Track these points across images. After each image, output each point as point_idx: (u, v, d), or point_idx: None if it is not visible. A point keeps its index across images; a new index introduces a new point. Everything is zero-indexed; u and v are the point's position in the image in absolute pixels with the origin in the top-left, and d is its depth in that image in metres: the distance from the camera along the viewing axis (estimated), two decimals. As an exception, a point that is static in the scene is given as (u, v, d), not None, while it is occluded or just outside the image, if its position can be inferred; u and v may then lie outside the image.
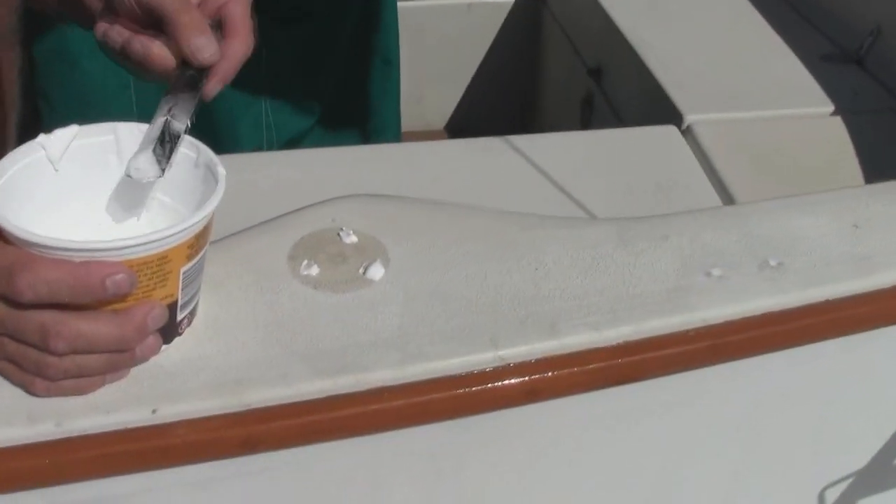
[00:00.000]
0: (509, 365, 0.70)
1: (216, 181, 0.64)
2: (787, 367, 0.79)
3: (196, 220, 0.60)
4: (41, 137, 0.65)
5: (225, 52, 0.72)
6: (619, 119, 1.74)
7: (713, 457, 0.84)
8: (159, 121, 0.68)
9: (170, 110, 0.69)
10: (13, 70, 0.82)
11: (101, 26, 0.73)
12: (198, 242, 0.62)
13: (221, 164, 0.65)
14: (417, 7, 2.02)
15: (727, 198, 1.34)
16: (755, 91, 1.55)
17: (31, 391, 0.62)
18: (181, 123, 0.68)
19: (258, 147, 1.52)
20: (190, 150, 0.67)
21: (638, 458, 0.82)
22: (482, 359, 0.70)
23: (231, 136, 1.44)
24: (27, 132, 0.82)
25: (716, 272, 0.77)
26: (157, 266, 0.60)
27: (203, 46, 0.70)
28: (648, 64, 1.61)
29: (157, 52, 0.71)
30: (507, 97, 2.16)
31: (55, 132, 0.66)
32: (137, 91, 1.31)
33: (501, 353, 0.70)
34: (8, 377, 0.63)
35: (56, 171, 0.66)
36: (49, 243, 0.57)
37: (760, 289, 0.77)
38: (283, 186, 1.18)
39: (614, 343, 0.72)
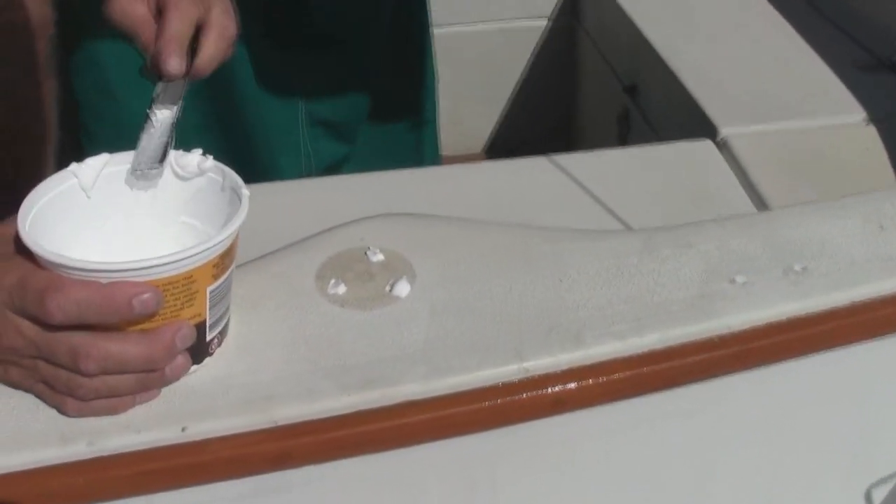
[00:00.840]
0: (535, 376, 0.71)
1: (240, 203, 0.66)
2: (815, 371, 0.79)
3: (220, 240, 0.62)
4: (73, 166, 0.68)
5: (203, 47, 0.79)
6: (655, 135, 1.74)
7: (744, 463, 0.84)
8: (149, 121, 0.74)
9: (158, 97, 0.75)
10: (52, 98, 0.85)
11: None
12: (223, 262, 0.64)
13: (245, 187, 0.67)
14: (453, 32, 2.04)
15: (764, 209, 1.33)
16: (789, 101, 1.55)
17: (63, 411, 0.64)
18: (168, 109, 0.75)
19: (298, 175, 1.54)
20: (216, 174, 0.69)
21: (667, 467, 0.82)
22: (507, 371, 0.70)
23: (271, 166, 1.47)
24: (67, 161, 0.85)
25: (740, 279, 0.77)
26: (184, 285, 0.62)
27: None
28: (682, 78, 1.62)
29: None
30: (546, 118, 2.17)
31: (87, 160, 0.68)
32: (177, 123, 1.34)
33: (526, 364, 0.71)
34: (42, 398, 0.65)
35: (88, 197, 0.68)
36: (76, 265, 0.59)
37: (785, 294, 0.77)
38: (321, 211, 1.19)
39: (639, 352, 0.72)
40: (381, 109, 1.64)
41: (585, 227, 1.32)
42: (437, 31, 1.82)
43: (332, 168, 1.60)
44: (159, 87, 0.76)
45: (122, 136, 1.48)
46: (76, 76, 1.32)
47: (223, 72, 1.29)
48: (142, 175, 0.70)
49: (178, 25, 0.76)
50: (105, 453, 0.64)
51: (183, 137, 1.44)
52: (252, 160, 1.45)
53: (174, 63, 0.75)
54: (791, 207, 0.85)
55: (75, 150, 1.46)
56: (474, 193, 1.37)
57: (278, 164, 1.50)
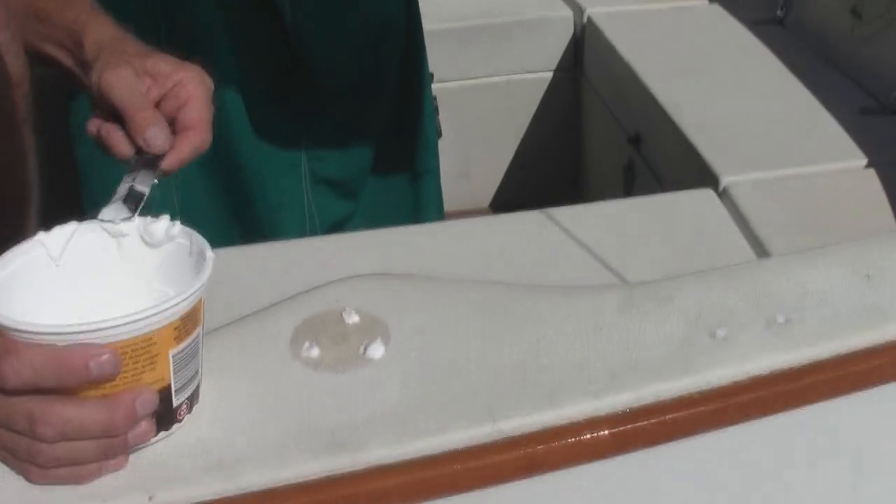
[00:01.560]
0: (508, 437, 0.69)
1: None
2: (799, 426, 0.77)
3: (178, 301, 0.62)
4: (40, 235, 0.68)
5: (180, 142, 0.82)
6: (659, 184, 1.74)
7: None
8: (124, 186, 0.76)
9: (133, 180, 0.77)
10: (30, 156, 0.86)
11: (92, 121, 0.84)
12: (185, 325, 0.63)
13: (210, 249, 0.67)
14: (458, 86, 2.05)
15: (765, 257, 1.32)
16: (790, 147, 1.54)
17: (27, 479, 0.63)
18: (146, 187, 0.77)
19: (302, 234, 1.54)
20: (184, 239, 0.69)
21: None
22: (480, 432, 0.69)
23: (274, 225, 1.47)
24: (63, 206, 0.86)
25: (721, 332, 0.76)
26: (143, 348, 0.61)
27: (155, 136, 0.79)
28: (684, 128, 1.62)
29: (117, 138, 0.81)
30: (552, 169, 2.18)
31: (54, 230, 0.68)
32: (178, 183, 1.35)
33: (500, 425, 0.69)
34: (6, 464, 0.64)
35: (57, 266, 0.68)
36: (30, 328, 0.59)
37: (767, 347, 0.75)
38: (317, 271, 1.19)
39: (615, 410, 0.71)
40: (383, 165, 1.64)
41: (584, 281, 1.32)
42: (442, 86, 1.84)
43: (336, 226, 1.60)
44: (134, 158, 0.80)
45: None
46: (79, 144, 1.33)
47: (224, 129, 1.30)
48: (110, 225, 0.72)
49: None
50: (69, 524, 0.63)
51: (185, 195, 1.45)
52: (255, 219, 1.45)
53: (161, 139, 0.80)
54: (774, 258, 0.84)
55: (71, 192, 1.46)
56: (473, 249, 1.37)
57: (282, 223, 1.50)
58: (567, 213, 1.43)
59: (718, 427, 0.74)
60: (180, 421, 0.68)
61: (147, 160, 0.80)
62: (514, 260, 1.37)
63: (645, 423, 0.72)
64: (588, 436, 0.70)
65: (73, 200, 1.42)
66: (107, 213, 0.72)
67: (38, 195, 0.87)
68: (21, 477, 0.64)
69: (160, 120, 0.80)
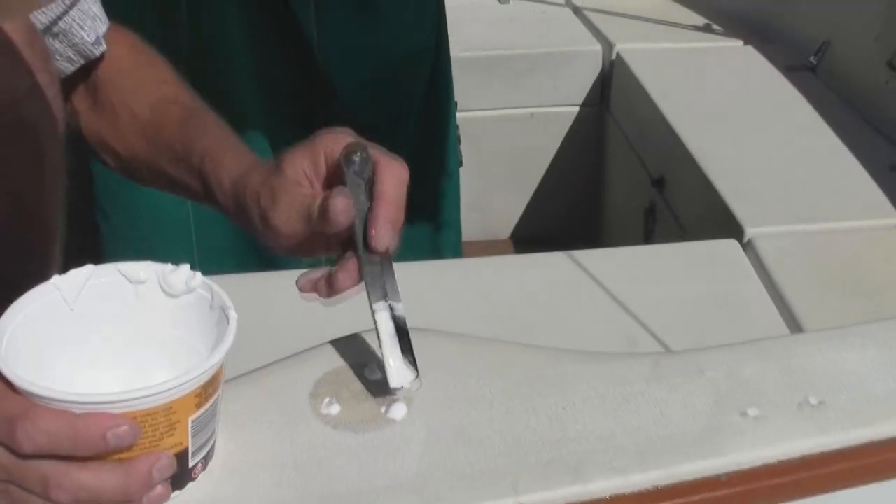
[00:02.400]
0: (530, 512, 0.67)
1: (228, 325, 0.64)
2: (829, 512, 0.75)
3: (202, 371, 0.60)
4: (55, 279, 0.66)
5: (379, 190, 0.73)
6: (681, 230, 1.72)
7: None
8: (383, 310, 0.72)
9: (385, 292, 0.73)
10: (60, 202, 0.84)
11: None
12: (206, 392, 0.62)
13: (233, 309, 0.65)
14: (481, 117, 2.04)
15: (789, 316, 1.30)
16: (820, 202, 1.53)
17: (40, 536, 0.62)
18: (400, 303, 0.72)
19: (317, 264, 1.52)
20: (205, 291, 0.67)
21: None
22: (502, 505, 0.67)
23: (292, 258, 1.45)
24: (84, 250, 0.84)
25: (752, 412, 0.74)
26: (164, 416, 0.60)
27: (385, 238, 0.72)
28: (710, 175, 1.60)
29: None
30: (572, 205, 2.16)
31: (69, 273, 0.67)
32: (194, 206, 1.33)
33: (522, 499, 0.67)
34: None
35: (72, 310, 0.67)
36: (47, 395, 0.57)
37: (799, 430, 0.73)
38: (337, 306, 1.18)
39: (642, 489, 0.69)
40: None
41: (603, 327, 1.30)
42: (465, 115, 1.82)
43: (352, 257, 1.58)
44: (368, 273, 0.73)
45: (139, 217, 1.47)
46: (93, 161, 1.32)
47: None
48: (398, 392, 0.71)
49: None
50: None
51: (202, 217, 1.44)
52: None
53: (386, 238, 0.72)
54: (807, 334, 0.82)
55: (93, 235, 1.46)
56: (493, 289, 1.35)
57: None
58: (590, 257, 1.42)
59: (745, 510, 0.72)
60: (194, 479, 0.66)
61: (376, 266, 0.73)
62: (533, 302, 1.35)
63: (670, 503, 0.70)
64: (612, 514, 0.68)
65: (94, 247, 1.41)
66: (395, 378, 0.71)
67: (63, 242, 0.85)
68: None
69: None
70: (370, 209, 0.72)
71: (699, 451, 0.71)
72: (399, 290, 0.73)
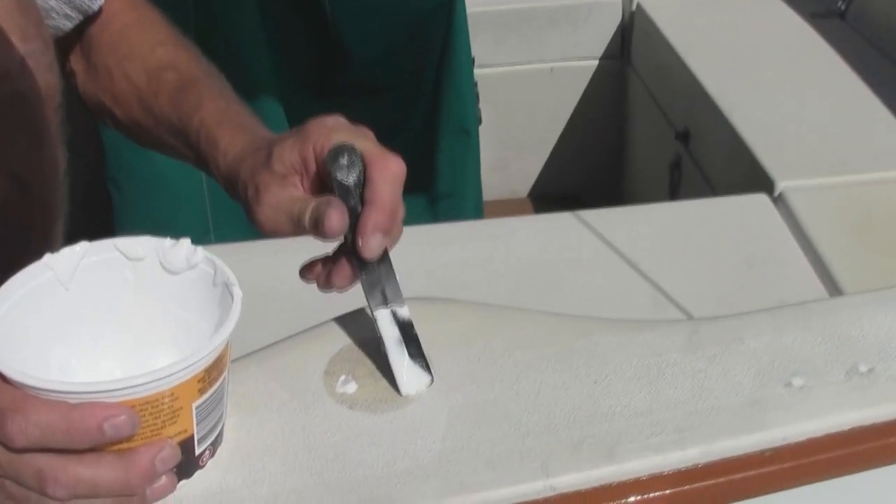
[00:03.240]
0: (562, 495, 0.63)
1: (232, 302, 0.59)
2: (880, 487, 0.70)
3: (203, 355, 0.55)
4: (47, 257, 0.61)
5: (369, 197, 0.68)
6: (708, 184, 1.66)
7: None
8: (384, 315, 0.69)
9: (384, 297, 0.69)
10: (60, 172, 0.79)
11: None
12: (209, 375, 0.57)
13: (238, 286, 0.60)
14: (499, 73, 1.98)
15: (825, 275, 1.25)
16: (853, 152, 1.47)
17: (38, 531, 0.58)
18: (403, 306, 0.69)
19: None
20: (207, 266, 0.63)
21: None
22: (531, 488, 0.63)
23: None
24: (95, 222, 0.79)
25: (797, 382, 0.69)
26: (165, 403, 0.55)
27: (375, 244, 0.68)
28: (738, 127, 1.54)
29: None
30: (594, 161, 2.10)
31: (62, 251, 0.62)
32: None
33: (553, 481, 0.63)
34: None
35: (67, 290, 0.62)
36: (39, 385, 0.53)
37: (848, 400, 0.68)
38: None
39: (680, 468, 0.65)
40: (420, 158, 1.59)
41: (631, 288, 1.25)
42: (482, 72, 1.77)
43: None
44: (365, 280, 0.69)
45: (151, 186, 1.43)
46: (103, 129, 1.28)
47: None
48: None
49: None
50: (77, 580, 0.57)
51: (215, 186, 1.39)
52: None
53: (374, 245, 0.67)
54: (854, 296, 0.77)
55: (103, 202, 1.41)
56: (514, 251, 1.30)
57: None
58: (611, 216, 1.37)
59: (792, 487, 0.67)
60: (202, 467, 0.61)
61: (377, 268, 0.69)
62: (555, 264, 1.31)
63: (712, 482, 0.65)
64: (650, 495, 0.64)
65: (106, 225, 1.37)
66: (407, 385, 0.68)
67: (66, 219, 0.80)
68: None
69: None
70: (360, 214, 0.67)
71: (741, 426, 0.67)
72: (401, 290, 0.69)
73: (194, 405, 0.57)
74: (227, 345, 0.59)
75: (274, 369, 0.70)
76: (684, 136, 1.74)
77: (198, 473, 0.61)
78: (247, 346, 0.71)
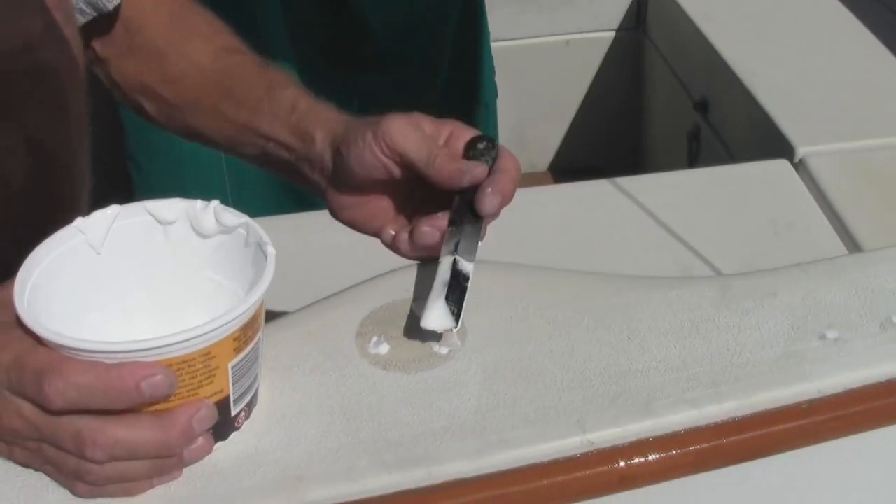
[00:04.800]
0: (599, 450, 0.63)
1: (266, 262, 0.59)
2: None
3: (239, 313, 0.55)
4: (78, 221, 0.61)
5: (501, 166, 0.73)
6: (728, 153, 1.65)
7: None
8: (447, 260, 0.69)
9: (456, 246, 0.70)
10: (85, 146, 0.78)
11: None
12: (245, 334, 0.57)
13: (271, 245, 0.60)
14: (516, 46, 1.97)
15: (848, 238, 1.24)
16: (874, 118, 1.46)
17: (74, 493, 0.58)
18: (469, 262, 0.69)
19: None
20: (241, 227, 0.62)
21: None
22: (569, 444, 0.63)
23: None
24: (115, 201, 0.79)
25: (831, 334, 0.69)
26: (201, 363, 0.55)
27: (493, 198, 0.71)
28: (756, 94, 1.53)
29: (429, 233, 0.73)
30: (612, 134, 2.09)
31: (93, 215, 0.62)
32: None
33: (590, 436, 0.63)
34: (52, 478, 0.58)
35: (98, 254, 0.62)
36: (76, 345, 0.52)
37: (883, 352, 0.68)
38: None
39: (717, 421, 0.64)
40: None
41: (654, 254, 1.25)
42: (499, 45, 1.76)
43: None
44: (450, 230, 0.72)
45: (170, 164, 1.43)
46: (122, 108, 1.27)
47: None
48: (433, 336, 0.68)
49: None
50: (117, 542, 0.57)
51: (239, 175, 1.39)
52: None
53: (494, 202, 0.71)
54: (886, 249, 0.76)
55: (123, 183, 1.41)
56: (537, 219, 1.30)
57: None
58: (635, 183, 1.36)
59: (829, 439, 0.67)
60: (238, 428, 0.61)
61: (469, 205, 0.72)
62: (579, 232, 1.30)
63: (749, 434, 0.65)
64: (689, 448, 0.63)
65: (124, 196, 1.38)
66: (429, 319, 0.67)
67: (90, 193, 0.79)
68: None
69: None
70: (489, 176, 0.72)
71: (777, 379, 0.66)
72: (476, 251, 0.71)
73: (230, 365, 0.57)
74: (261, 304, 0.58)
75: (306, 332, 0.70)
76: (703, 106, 1.73)
77: (234, 435, 0.61)
78: (276, 313, 0.70)
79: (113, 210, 0.62)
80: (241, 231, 0.62)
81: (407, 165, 0.72)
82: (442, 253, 0.70)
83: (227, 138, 0.84)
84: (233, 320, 0.55)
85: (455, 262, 0.69)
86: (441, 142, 0.74)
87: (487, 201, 0.70)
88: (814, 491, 0.71)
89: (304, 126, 0.78)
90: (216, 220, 0.63)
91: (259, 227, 0.62)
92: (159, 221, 0.64)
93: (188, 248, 0.64)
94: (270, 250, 0.60)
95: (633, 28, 2.01)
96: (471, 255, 0.70)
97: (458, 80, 1.59)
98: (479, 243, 0.71)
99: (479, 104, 1.60)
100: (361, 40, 1.44)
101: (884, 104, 1.46)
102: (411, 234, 0.74)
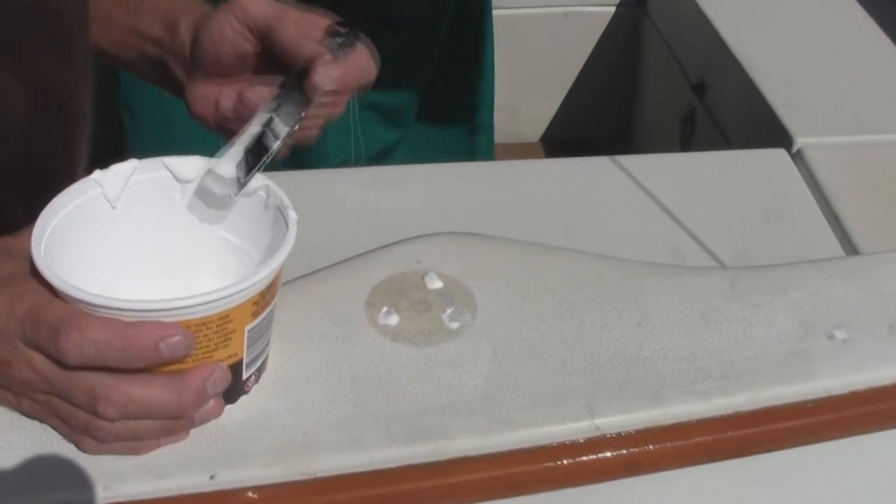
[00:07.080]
0: (606, 436, 0.63)
1: (286, 226, 0.58)
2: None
3: (260, 277, 0.54)
4: (96, 174, 0.60)
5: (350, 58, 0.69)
6: (723, 138, 1.65)
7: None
8: (254, 128, 0.63)
9: (271, 119, 0.64)
10: (88, 88, 0.77)
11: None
12: (263, 299, 0.56)
13: (293, 209, 0.59)
14: (513, 15, 1.95)
15: (842, 232, 1.25)
16: (874, 112, 1.45)
17: (80, 448, 0.57)
18: (284, 127, 0.64)
19: (346, 161, 1.47)
20: (261, 188, 0.61)
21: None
22: (576, 428, 0.62)
23: (318, 150, 1.40)
24: (107, 147, 0.77)
25: (840, 334, 0.69)
26: (219, 326, 0.54)
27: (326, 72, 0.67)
28: (756, 80, 1.52)
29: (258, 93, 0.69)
30: (605, 110, 2.08)
31: (111, 168, 0.60)
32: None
33: (598, 421, 0.63)
34: (58, 432, 0.58)
35: (114, 208, 0.61)
36: (95, 301, 0.52)
37: (891, 354, 0.68)
38: (371, 207, 1.12)
39: (725, 413, 0.64)
40: (435, 97, 1.57)
41: (648, 237, 1.25)
42: (496, 13, 1.74)
43: (381, 154, 1.53)
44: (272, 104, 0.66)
45: (165, 112, 1.41)
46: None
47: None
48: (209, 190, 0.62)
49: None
50: (121, 499, 0.56)
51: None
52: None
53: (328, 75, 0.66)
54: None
55: (116, 134, 1.39)
56: (532, 193, 1.29)
57: (325, 148, 1.43)
58: (630, 162, 1.35)
59: (834, 439, 0.67)
60: (247, 392, 0.61)
61: (298, 81, 0.66)
62: (571, 208, 1.30)
63: (755, 429, 0.65)
64: (696, 440, 0.64)
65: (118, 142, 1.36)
66: (222, 165, 0.61)
67: (90, 129, 0.78)
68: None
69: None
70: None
71: (785, 375, 0.66)
72: (296, 126, 0.65)
73: (247, 329, 0.56)
74: (281, 269, 0.58)
75: (316, 297, 0.69)
76: (700, 88, 1.72)
77: (242, 399, 0.61)
78: (284, 274, 0.70)
79: (131, 164, 0.61)
80: (261, 193, 0.61)
81: (259, 35, 0.69)
82: (261, 108, 0.66)
83: (113, 43, 0.80)
84: (254, 284, 0.54)
85: (270, 120, 0.64)
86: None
87: (319, 74, 0.66)
88: (815, 490, 0.71)
89: (173, 16, 0.75)
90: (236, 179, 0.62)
91: (280, 191, 0.61)
92: (177, 178, 0.62)
93: (204, 207, 0.63)
94: (292, 215, 0.59)
95: (634, 4, 2.00)
96: (289, 120, 0.65)
97: (458, 47, 1.58)
98: (302, 115, 0.66)
99: (479, 73, 1.59)
100: (360, 2, 1.43)
101: (887, 100, 1.46)
102: (239, 97, 0.70)
